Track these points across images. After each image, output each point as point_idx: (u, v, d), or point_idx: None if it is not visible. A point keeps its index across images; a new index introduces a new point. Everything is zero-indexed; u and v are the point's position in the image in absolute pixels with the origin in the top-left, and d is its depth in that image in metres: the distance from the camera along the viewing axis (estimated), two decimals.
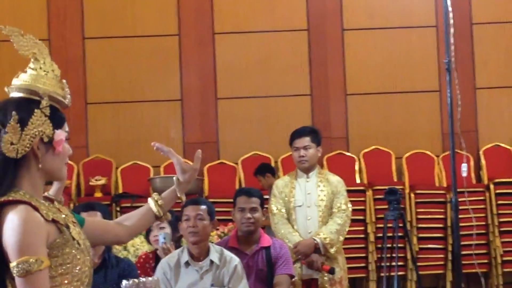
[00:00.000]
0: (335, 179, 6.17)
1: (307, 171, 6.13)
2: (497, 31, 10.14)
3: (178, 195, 2.94)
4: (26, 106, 2.43)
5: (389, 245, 6.96)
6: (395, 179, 9.62)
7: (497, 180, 9.44)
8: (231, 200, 5.61)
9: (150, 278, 4.44)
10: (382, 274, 7.25)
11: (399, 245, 7.16)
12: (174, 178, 2.95)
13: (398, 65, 10.12)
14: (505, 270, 9.16)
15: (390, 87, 10.09)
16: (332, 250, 5.93)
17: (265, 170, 8.84)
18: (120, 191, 9.58)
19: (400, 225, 6.89)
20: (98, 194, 9.37)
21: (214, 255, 5.01)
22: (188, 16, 10.14)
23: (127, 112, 10.00)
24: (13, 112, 2.39)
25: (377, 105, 10.05)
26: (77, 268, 2.43)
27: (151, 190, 9.54)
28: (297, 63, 10.11)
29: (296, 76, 10.10)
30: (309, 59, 10.12)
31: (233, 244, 5.38)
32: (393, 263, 6.90)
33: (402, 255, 8.48)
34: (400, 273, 7.83)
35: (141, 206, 3.00)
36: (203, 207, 5.09)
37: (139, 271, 5.22)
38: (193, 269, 5.00)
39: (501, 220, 9.28)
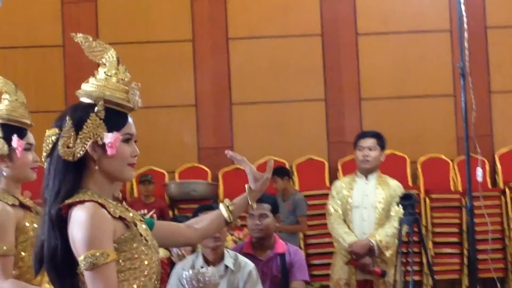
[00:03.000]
0: (394, 183, 6.20)
1: (367, 173, 6.13)
2: (511, 35, 10.09)
3: (250, 203, 3.01)
4: (83, 110, 2.52)
5: (404, 250, 6.93)
6: (410, 184, 9.59)
7: None
8: None
9: (209, 268, 4.49)
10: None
11: (415, 250, 7.13)
12: (246, 186, 3.02)
13: (412, 69, 10.09)
14: None
15: (404, 92, 10.06)
16: (387, 253, 5.93)
17: (284, 173, 8.84)
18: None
19: (416, 230, 6.86)
20: None
21: (228, 260, 5.00)
22: (202, 22, 10.15)
23: (141, 117, 9.89)
24: (67, 117, 2.49)
25: (391, 109, 10.03)
26: (145, 263, 2.48)
27: (166, 196, 9.54)
28: (311, 68, 10.09)
29: (310, 81, 10.09)
30: (323, 64, 10.11)
31: (248, 250, 5.37)
32: (409, 268, 6.87)
33: (417, 260, 8.45)
34: (415, 278, 7.79)
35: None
36: None
37: None
38: None
39: None
